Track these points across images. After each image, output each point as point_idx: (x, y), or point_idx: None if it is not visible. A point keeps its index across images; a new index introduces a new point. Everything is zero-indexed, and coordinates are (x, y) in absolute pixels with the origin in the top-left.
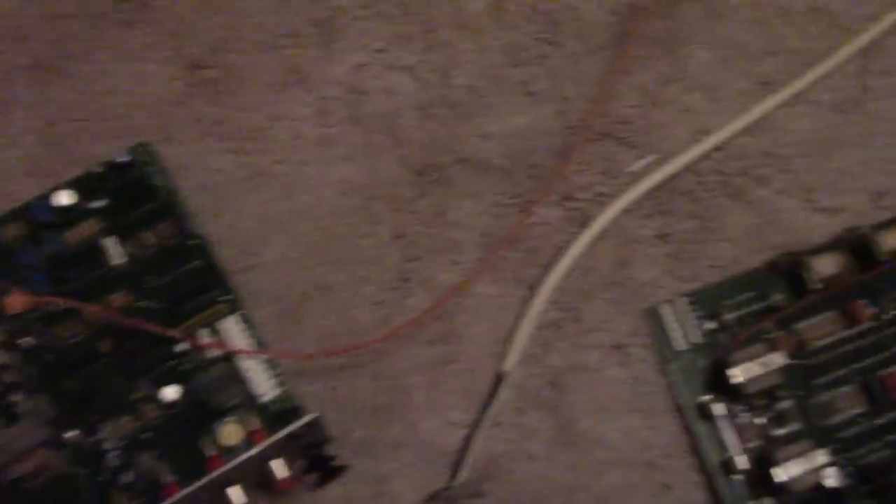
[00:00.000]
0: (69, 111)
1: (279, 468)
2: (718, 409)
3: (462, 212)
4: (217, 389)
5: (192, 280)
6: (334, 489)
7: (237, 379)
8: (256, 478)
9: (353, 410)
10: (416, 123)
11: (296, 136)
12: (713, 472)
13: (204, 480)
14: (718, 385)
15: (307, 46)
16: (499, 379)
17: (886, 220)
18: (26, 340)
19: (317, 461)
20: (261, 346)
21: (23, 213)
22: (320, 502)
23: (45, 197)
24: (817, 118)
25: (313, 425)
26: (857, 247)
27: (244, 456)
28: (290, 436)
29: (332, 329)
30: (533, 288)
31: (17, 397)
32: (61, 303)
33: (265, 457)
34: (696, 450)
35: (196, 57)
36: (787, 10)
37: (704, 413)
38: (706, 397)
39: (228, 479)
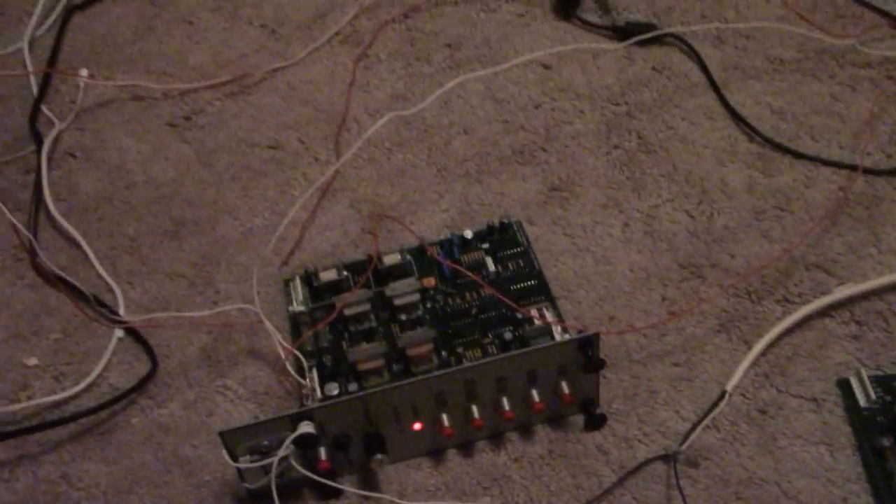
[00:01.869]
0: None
1: (566, 386)
2: (888, 442)
3: (709, 293)
4: (536, 340)
5: (530, 290)
6: (594, 435)
7: (550, 335)
8: (550, 410)
9: (615, 390)
10: (686, 241)
11: (608, 234)
12: (882, 494)
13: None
14: (891, 429)
15: (623, 189)
16: (722, 394)
17: None
18: (431, 301)
19: (585, 405)
20: (565, 324)
21: (444, 241)
22: (583, 440)
23: (459, 234)
24: None
25: (594, 343)
26: None
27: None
28: (582, 344)
29: (609, 339)
30: (751, 346)
31: (420, 326)
32: (464, 273)
33: (558, 370)
34: (869, 476)
35: (556, 184)
36: None
37: (877, 449)
38: (881, 439)
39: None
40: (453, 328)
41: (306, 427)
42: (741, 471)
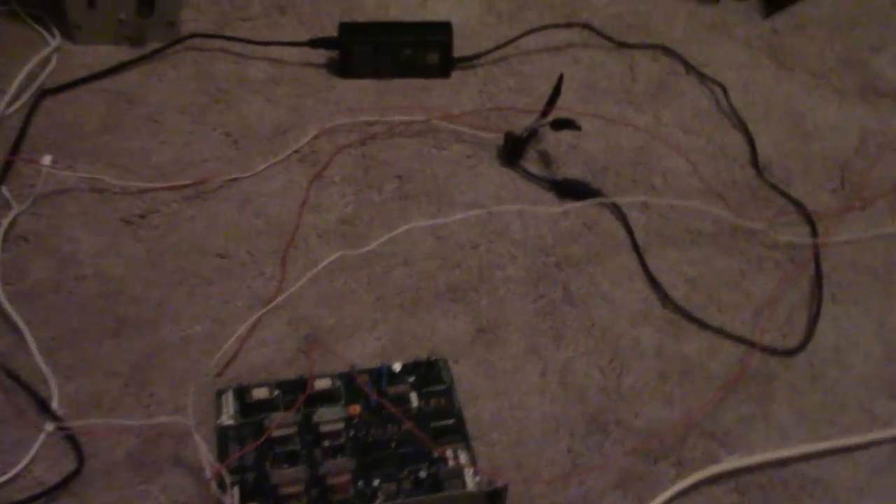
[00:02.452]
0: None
1: None
2: None
3: (611, 450)
4: (449, 481)
5: (448, 428)
6: None
7: (461, 479)
8: None
9: None
10: (596, 395)
11: (526, 380)
12: None
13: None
14: None
15: (545, 338)
16: None
17: None
18: (354, 429)
19: None
20: (477, 468)
21: (373, 371)
22: None
23: (388, 366)
24: (856, 473)
25: (502, 496)
26: None
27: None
28: (488, 496)
29: (512, 480)
30: None
31: (341, 454)
32: (388, 408)
33: None
34: None
35: (484, 325)
36: (840, 406)
37: None
38: None
39: None
40: (373, 459)
41: None
42: None
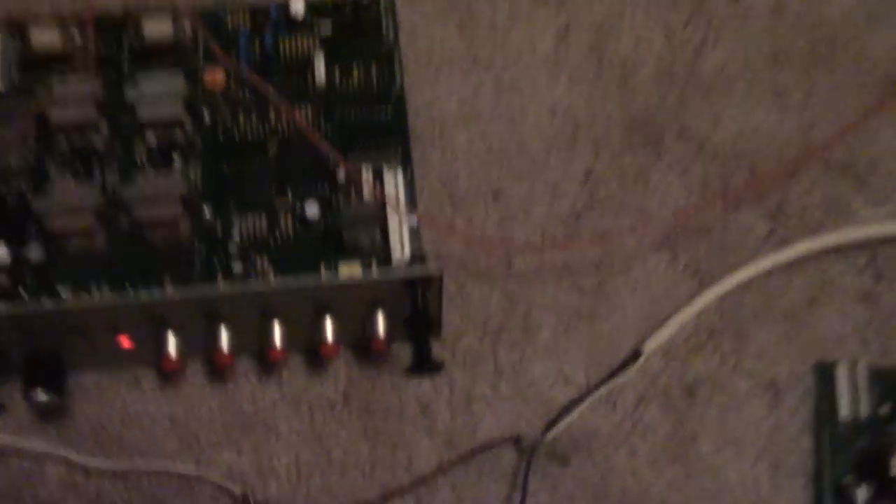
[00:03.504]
0: None
1: (381, 324)
2: (862, 494)
3: (663, 182)
4: (356, 227)
5: (377, 125)
6: (422, 385)
7: (379, 226)
8: (356, 335)
9: (472, 318)
10: (653, 79)
11: (531, 44)
12: None
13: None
14: (871, 471)
15: None
16: (634, 356)
17: None
18: (208, 115)
19: (419, 345)
20: (413, 206)
21: (260, 9)
22: (402, 388)
23: (283, 5)
24: None
25: (433, 286)
26: None
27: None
28: (406, 287)
29: (485, 231)
30: (705, 284)
31: (175, 154)
32: (257, 86)
33: (373, 301)
34: None
35: None
36: None
37: (843, 495)
38: (851, 479)
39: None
40: (232, 170)
41: None
42: (628, 481)
